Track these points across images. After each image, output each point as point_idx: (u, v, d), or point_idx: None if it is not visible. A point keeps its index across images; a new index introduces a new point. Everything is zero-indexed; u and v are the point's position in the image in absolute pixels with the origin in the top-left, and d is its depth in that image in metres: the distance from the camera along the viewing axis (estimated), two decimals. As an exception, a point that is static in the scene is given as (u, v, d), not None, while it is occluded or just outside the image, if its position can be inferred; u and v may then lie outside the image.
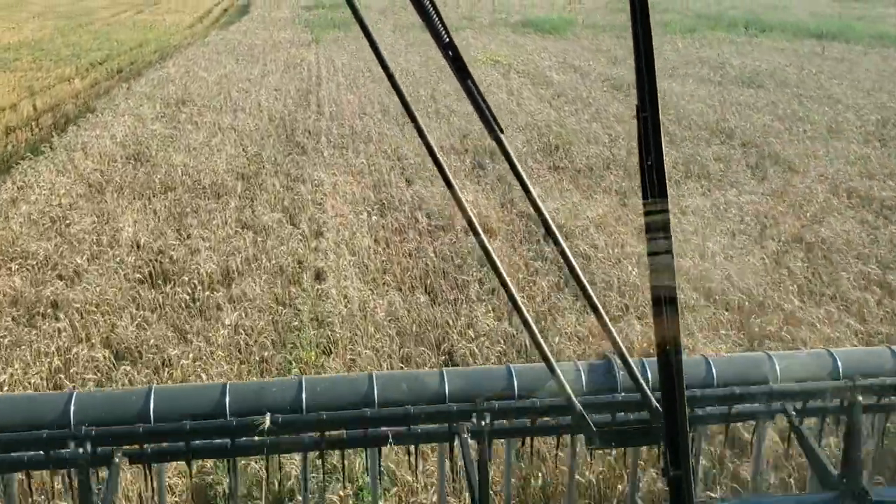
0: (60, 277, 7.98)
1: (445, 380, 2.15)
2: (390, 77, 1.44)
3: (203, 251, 8.50)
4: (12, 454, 2.01)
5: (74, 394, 2.03)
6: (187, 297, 7.63)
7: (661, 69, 22.22)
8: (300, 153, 13.10)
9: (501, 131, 1.38)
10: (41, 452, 1.99)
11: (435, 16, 1.29)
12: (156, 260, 8.44)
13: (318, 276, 8.23)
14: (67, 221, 9.44)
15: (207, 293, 7.66)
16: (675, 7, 48.40)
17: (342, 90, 18.79)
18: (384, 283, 8.02)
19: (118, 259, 8.34)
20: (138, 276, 8.07)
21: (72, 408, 1.97)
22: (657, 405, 1.70)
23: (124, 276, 7.99)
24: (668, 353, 1.19)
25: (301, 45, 27.00)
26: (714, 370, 2.23)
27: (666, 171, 1.12)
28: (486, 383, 2.18)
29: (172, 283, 7.92)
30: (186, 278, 7.91)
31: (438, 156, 1.45)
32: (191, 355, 6.39)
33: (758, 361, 2.31)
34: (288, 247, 8.84)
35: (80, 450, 1.92)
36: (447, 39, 1.32)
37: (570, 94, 18.65)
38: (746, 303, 7.59)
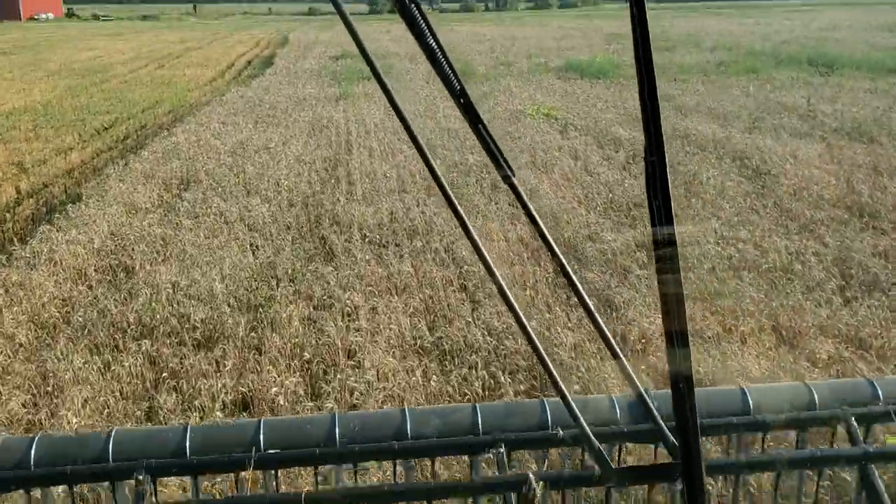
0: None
1: (478, 414, 2.10)
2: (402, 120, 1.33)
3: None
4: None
5: (113, 430, 2.05)
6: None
7: (742, 119, 19.07)
8: (326, 258, 10.10)
9: (513, 174, 1.32)
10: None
11: (445, 63, 1.23)
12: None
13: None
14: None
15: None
16: (722, 44, 45.45)
17: (376, 159, 15.87)
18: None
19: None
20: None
21: (110, 445, 1.98)
22: (674, 440, 1.54)
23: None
24: (682, 389, 1.18)
25: (328, 102, 24.30)
26: (751, 401, 2.17)
27: (673, 207, 1.11)
28: (519, 417, 2.13)
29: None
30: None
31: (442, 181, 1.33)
32: None
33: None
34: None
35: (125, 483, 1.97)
36: (458, 87, 1.26)
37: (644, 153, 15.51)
38: None
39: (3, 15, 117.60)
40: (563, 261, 1.41)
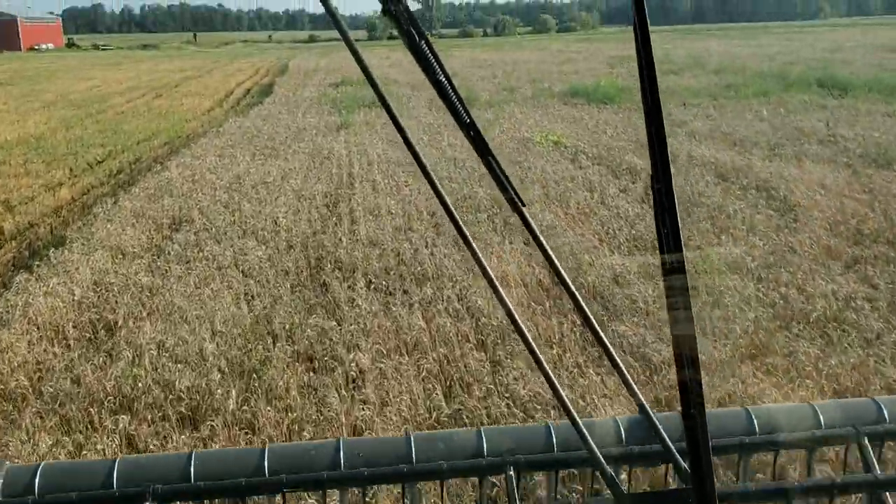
0: None
1: (483, 438, 2.07)
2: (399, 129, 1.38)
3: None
4: None
5: (118, 459, 2.01)
6: None
7: (761, 145, 18.24)
8: (329, 309, 9.18)
9: (524, 205, 1.36)
10: None
11: (453, 95, 1.28)
12: None
13: None
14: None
15: None
16: (727, 66, 44.84)
17: (380, 193, 15.02)
18: None
19: None
20: None
21: (115, 474, 1.96)
22: (685, 466, 1.59)
23: None
24: (694, 416, 1.18)
25: (328, 131, 23.53)
26: (755, 421, 2.12)
27: (681, 233, 1.14)
28: (525, 441, 2.09)
29: None
30: None
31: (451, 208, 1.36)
32: None
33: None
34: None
35: None
36: (468, 119, 1.30)
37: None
38: None
39: (4, 45, 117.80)
40: (573, 288, 1.46)
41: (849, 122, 21.91)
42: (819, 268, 10.09)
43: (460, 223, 1.39)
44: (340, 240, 11.73)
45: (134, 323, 8.72)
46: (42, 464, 1.99)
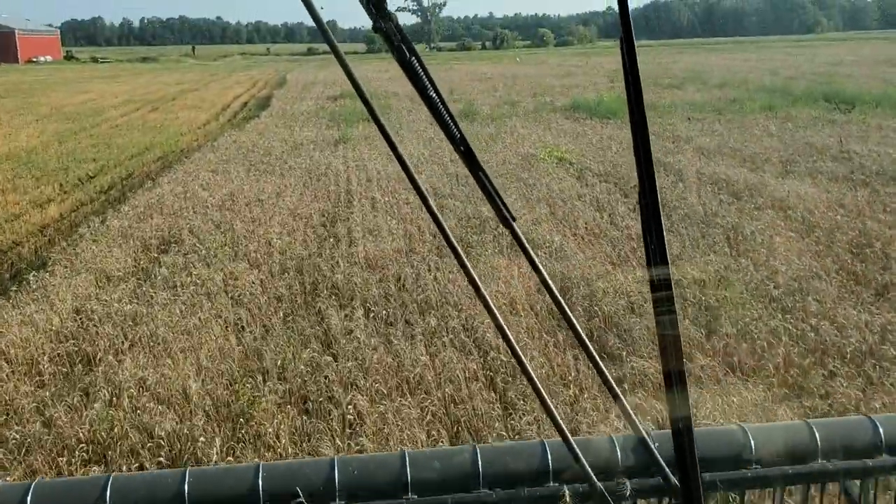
0: None
1: (479, 457, 2.01)
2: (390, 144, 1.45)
3: None
4: None
5: (111, 476, 1.97)
6: None
7: (772, 162, 17.66)
8: (324, 342, 8.53)
9: (514, 219, 1.39)
10: None
11: (444, 111, 1.30)
12: None
13: None
14: None
15: None
16: (729, 80, 44.39)
17: (379, 212, 14.40)
18: None
19: None
20: None
21: (108, 492, 1.92)
22: (676, 482, 1.61)
23: None
24: (681, 431, 1.20)
25: (326, 146, 22.93)
26: (752, 441, 2.06)
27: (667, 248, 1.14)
28: (520, 460, 2.04)
29: None
30: None
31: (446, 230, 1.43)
32: None
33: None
34: None
35: None
36: (458, 135, 1.33)
37: (675, 204, 14.06)
38: None
39: (1, 58, 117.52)
40: (563, 302, 1.48)
41: (860, 137, 21.36)
42: (848, 295, 9.46)
43: (448, 233, 1.42)
44: (338, 262, 11.09)
45: (114, 357, 8.06)
46: (35, 481, 1.97)
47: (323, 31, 1.34)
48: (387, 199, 15.45)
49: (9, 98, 50.88)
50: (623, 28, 1.14)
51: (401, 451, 2.08)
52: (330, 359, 7.94)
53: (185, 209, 14.87)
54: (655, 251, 1.18)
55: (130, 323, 9.00)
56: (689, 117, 27.69)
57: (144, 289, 10.21)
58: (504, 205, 1.37)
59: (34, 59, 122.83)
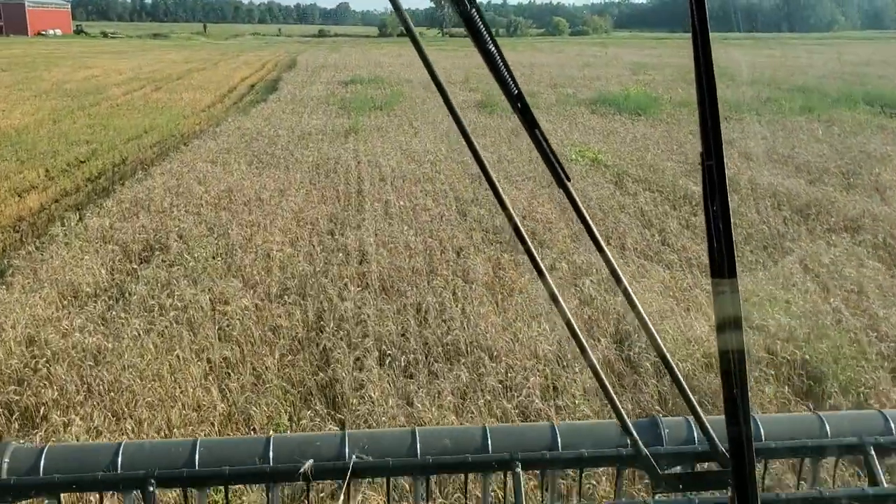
0: None
1: (489, 436, 2.11)
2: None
3: None
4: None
5: (122, 443, 2.04)
6: None
7: (831, 172, 15.84)
8: (329, 398, 6.82)
9: (569, 179, 1.36)
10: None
11: (503, 68, 1.27)
12: None
13: None
14: None
15: None
16: (759, 78, 42.38)
17: (394, 219, 12.67)
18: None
19: None
20: None
21: (119, 458, 1.98)
22: (724, 450, 1.65)
23: None
24: (735, 398, 1.20)
25: (336, 137, 21.17)
26: (762, 429, 2.17)
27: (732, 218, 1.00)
28: (530, 440, 2.14)
29: None
30: None
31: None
32: None
33: (807, 421, 2.25)
34: None
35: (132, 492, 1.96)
36: (516, 91, 1.29)
37: (734, 220, 12.27)
38: None
39: (11, 30, 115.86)
40: (617, 269, 1.47)
41: (920, 146, 19.51)
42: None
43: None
44: (346, 285, 9.37)
45: (62, 414, 6.35)
46: (47, 445, 2.02)
47: (403, 21, 1.32)
48: (402, 202, 13.71)
49: (10, 71, 49.17)
50: (697, 19, 1.08)
51: (411, 428, 2.14)
52: (336, 428, 6.23)
53: (176, 206, 13.16)
54: (719, 215, 1.11)
55: (91, 362, 7.28)
56: (727, 117, 25.84)
57: (115, 312, 8.50)
58: (560, 164, 1.32)
59: (43, 33, 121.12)
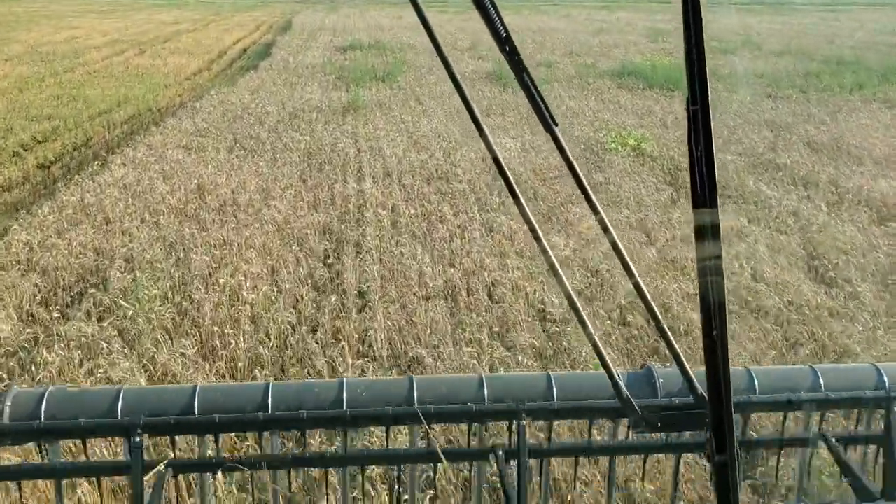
0: None
1: (485, 385, 2.12)
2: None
3: None
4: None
5: (123, 388, 2.04)
6: None
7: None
8: None
9: (556, 124, 1.32)
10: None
11: (493, 11, 1.24)
12: None
13: None
14: None
15: None
16: (787, 48, 39.29)
17: (404, 233, 10.02)
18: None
19: None
20: None
21: (120, 402, 1.98)
22: (702, 392, 1.59)
23: None
24: (714, 339, 1.17)
25: (332, 116, 18.36)
26: (756, 381, 2.21)
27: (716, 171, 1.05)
28: (526, 389, 2.14)
29: None
30: None
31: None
32: None
33: (801, 373, 2.27)
34: None
35: (131, 439, 1.96)
36: (504, 34, 1.25)
37: (831, 244, 9.67)
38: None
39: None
40: (604, 215, 1.38)
41: None
42: None
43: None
44: (344, 355, 6.73)
45: None
46: (48, 389, 2.03)
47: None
48: (413, 209, 11.03)
49: (-16, 32, 45.93)
50: None
51: (408, 376, 2.15)
52: None
53: (130, 215, 10.49)
54: (702, 159, 1.07)
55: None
56: (771, 94, 23.04)
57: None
58: (547, 108, 1.29)
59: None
